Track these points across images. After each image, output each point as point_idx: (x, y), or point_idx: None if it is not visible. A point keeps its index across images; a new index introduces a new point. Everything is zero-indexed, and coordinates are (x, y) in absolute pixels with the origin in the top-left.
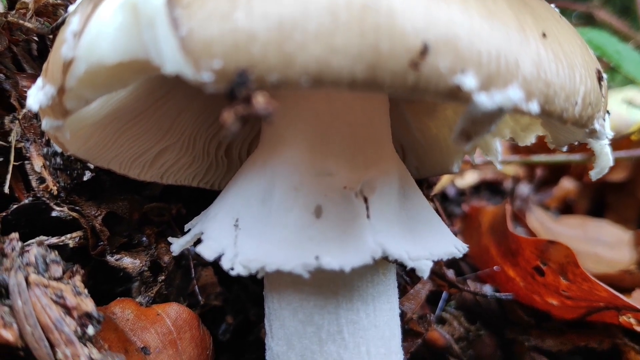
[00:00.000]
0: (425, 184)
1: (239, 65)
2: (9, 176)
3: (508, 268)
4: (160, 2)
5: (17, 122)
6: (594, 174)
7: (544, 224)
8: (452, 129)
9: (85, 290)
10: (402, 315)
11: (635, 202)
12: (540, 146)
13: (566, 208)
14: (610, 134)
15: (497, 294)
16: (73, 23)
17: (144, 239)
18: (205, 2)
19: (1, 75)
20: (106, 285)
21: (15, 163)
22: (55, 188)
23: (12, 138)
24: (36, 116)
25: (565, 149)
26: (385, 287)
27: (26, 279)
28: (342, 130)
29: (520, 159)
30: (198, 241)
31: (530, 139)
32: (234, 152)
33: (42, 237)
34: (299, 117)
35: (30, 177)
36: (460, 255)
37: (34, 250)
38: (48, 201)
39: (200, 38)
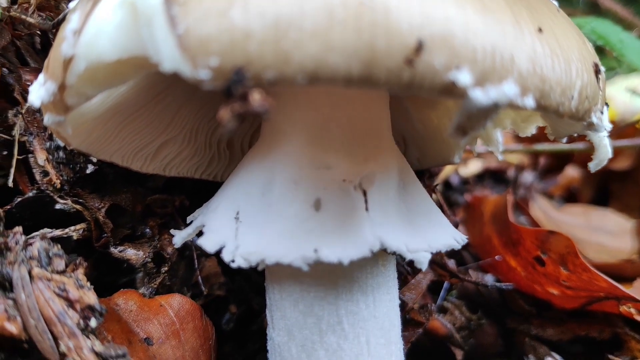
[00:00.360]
0: (427, 174)
1: (236, 62)
2: (12, 169)
3: (509, 258)
4: (158, 0)
5: (20, 116)
6: (593, 166)
7: (547, 213)
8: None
9: (88, 283)
10: (403, 305)
11: (639, 191)
12: (544, 134)
13: (570, 196)
14: (609, 126)
15: (498, 284)
16: (73, 21)
17: (147, 230)
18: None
19: (5, 69)
20: (110, 277)
21: (19, 157)
22: (58, 181)
23: (16, 132)
24: (39, 110)
25: (565, 140)
26: (385, 279)
27: (29, 273)
28: (342, 124)
29: (524, 147)
30: (200, 233)
31: (531, 130)
32: (236, 144)
33: (46, 230)
34: (299, 111)
35: (34, 171)
36: (459, 247)
37: (37, 244)
38: (52, 194)
39: (197, 36)
